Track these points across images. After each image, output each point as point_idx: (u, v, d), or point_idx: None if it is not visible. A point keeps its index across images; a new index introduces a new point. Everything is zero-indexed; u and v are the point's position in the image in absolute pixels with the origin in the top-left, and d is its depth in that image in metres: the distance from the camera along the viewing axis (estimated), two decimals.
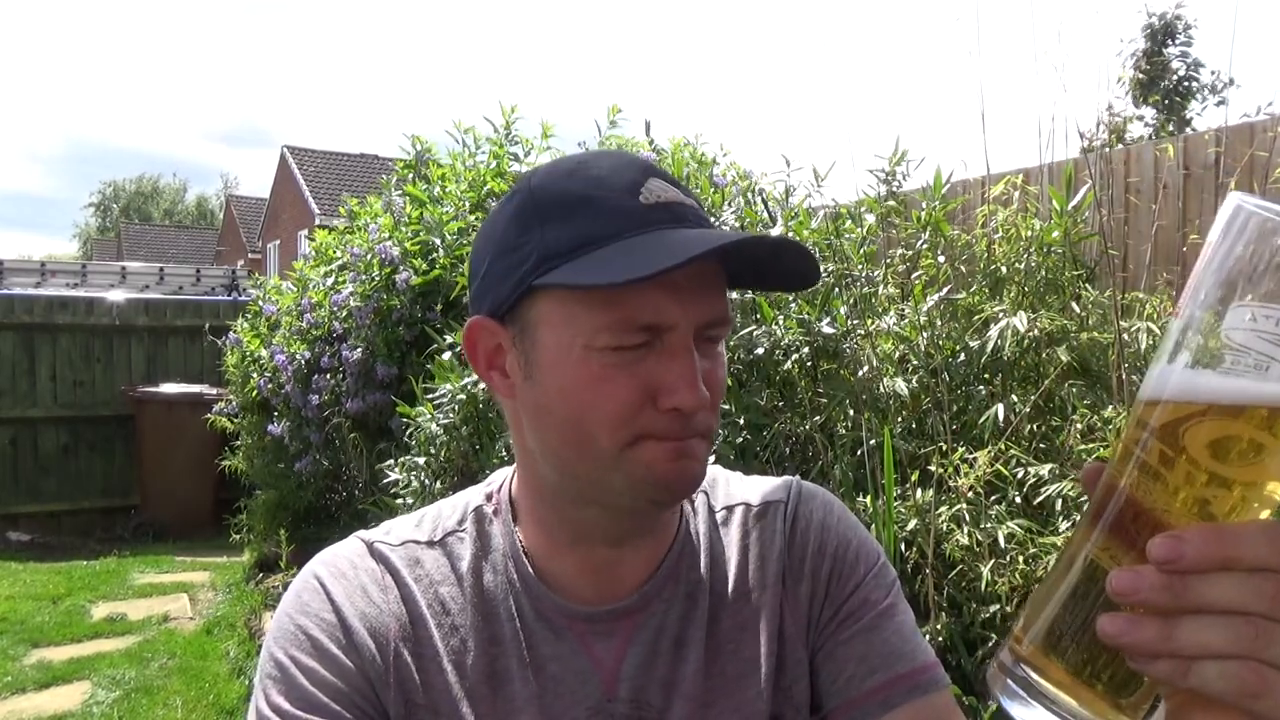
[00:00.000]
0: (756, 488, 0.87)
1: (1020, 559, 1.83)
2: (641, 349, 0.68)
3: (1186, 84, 9.09)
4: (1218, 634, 0.42)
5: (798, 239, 0.71)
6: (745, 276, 0.77)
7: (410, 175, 4.37)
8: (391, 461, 2.94)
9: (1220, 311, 0.44)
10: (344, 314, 4.23)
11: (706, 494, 0.86)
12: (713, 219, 2.74)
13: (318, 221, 19.43)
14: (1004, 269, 2.40)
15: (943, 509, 1.94)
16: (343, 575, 0.76)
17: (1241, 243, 0.44)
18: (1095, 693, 0.47)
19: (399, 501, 2.82)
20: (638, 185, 0.70)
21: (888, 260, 2.63)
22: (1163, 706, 0.50)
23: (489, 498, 0.84)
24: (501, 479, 0.85)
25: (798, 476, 0.90)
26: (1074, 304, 2.34)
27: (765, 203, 2.88)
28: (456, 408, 2.64)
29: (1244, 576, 0.42)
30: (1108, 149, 2.71)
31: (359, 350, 4.00)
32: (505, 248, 0.72)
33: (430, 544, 0.80)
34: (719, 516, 0.85)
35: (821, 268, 2.44)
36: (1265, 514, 0.46)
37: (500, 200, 0.78)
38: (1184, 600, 0.42)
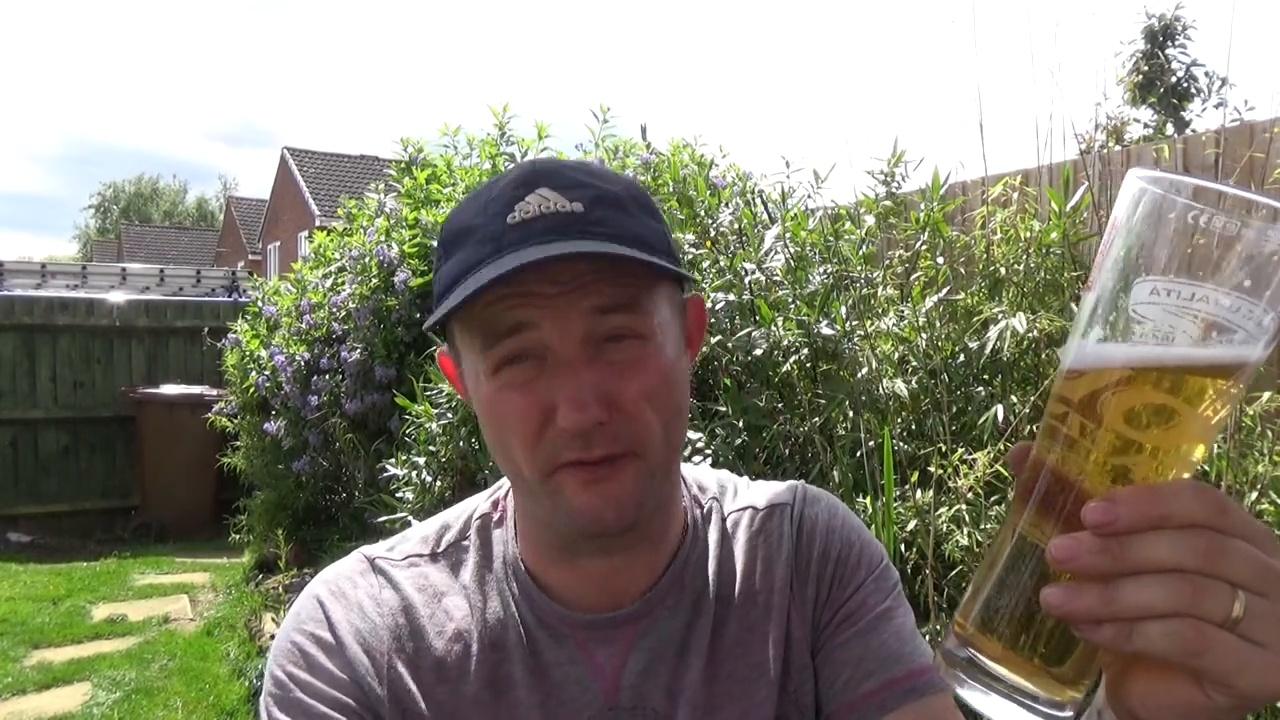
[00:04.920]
0: (762, 492, 0.87)
1: None
2: (530, 366, 0.68)
3: (1185, 85, 9.08)
4: (1157, 593, 0.41)
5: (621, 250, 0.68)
6: None
7: (405, 177, 4.37)
8: (392, 459, 2.94)
9: (1126, 286, 0.45)
10: (343, 315, 4.23)
11: (718, 500, 0.86)
12: (709, 220, 2.73)
13: (318, 223, 19.42)
14: (1003, 270, 2.40)
15: (942, 510, 1.94)
16: (342, 594, 0.78)
17: (1140, 219, 0.45)
18: (1037, 666, 0.48)
19: (399, 498, 2.82)
20: (513, 204, 0.69)
21: (887, 261, 2.63)
22: (1103, 684, 0.50)
23: (495, 504, 0.85)
24: (509, 484, 0.86)
25: (802, 480, 0.90)
26: (1073, 305, 2.34)
27: (765, 204, 2.88)
28: (455, 408, 2.64)
29: (1176, 534, 0.42)
30: (1105, 150, 2.71)
31: (358, 351, 4.00)
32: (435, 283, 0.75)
33: (434, 556, 0.82)
34: (729, 521, 0.85)
35: (819, 269, 2.44)
36: (1185, 476, 0.47)
37: None
38: (1121, 561, 0.42)
